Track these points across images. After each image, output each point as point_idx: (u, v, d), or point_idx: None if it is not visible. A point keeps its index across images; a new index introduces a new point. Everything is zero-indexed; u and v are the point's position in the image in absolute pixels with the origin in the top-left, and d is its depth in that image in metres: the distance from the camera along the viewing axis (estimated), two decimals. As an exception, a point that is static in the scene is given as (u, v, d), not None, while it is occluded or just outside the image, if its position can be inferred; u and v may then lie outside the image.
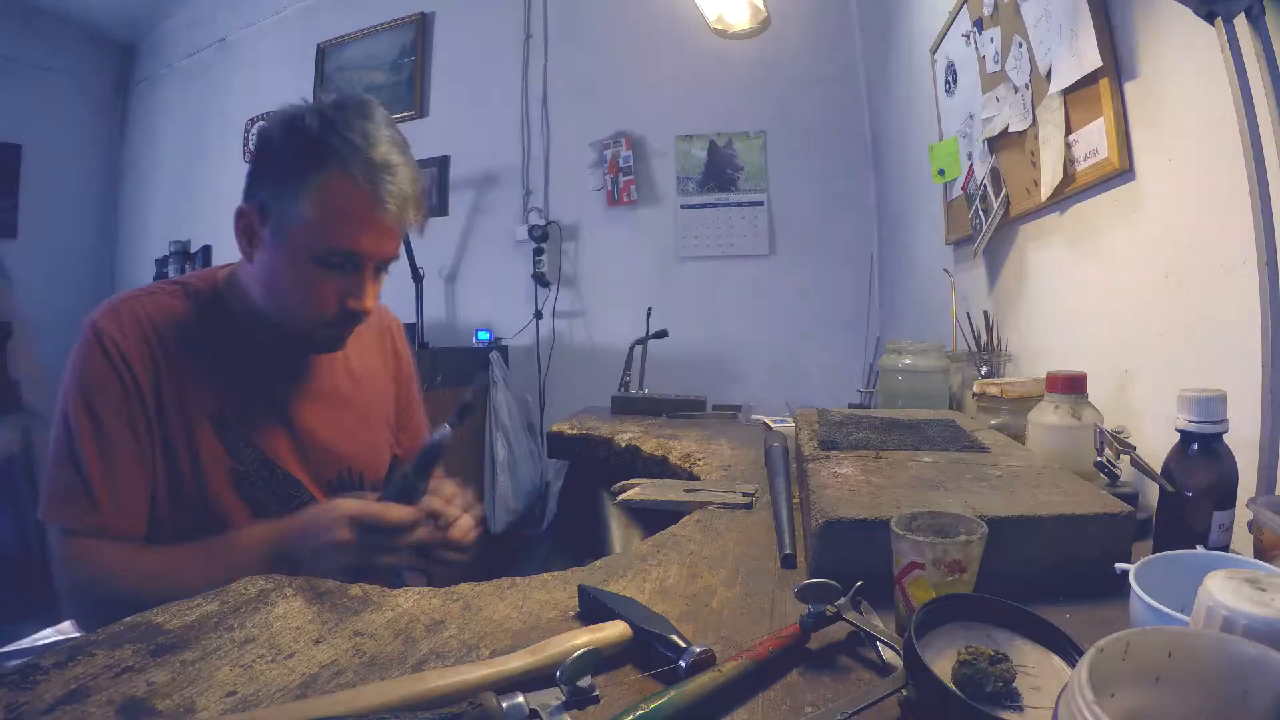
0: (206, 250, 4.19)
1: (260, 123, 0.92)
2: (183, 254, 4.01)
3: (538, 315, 3.53)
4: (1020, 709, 0.50)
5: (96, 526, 0.91)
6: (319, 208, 0.92)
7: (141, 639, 0.61)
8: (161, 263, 4.09)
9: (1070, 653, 0.54)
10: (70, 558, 0.91)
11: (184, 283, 1.06)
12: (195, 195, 4.29)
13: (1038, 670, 0.54)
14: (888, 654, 0.60)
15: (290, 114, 0.94)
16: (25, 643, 1.34)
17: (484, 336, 3.43)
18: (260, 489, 1.02)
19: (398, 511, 0.91)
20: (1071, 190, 1.31)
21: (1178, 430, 0.75)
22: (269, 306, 1.00)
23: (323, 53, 3.97)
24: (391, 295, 3.74)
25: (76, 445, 0.91)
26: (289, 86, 3.87)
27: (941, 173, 1.97)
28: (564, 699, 0.50)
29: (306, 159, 0.92)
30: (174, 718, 0.50)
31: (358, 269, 0.97)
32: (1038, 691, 0.51)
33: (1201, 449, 0.74)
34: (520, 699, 0.48)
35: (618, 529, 1.49)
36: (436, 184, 3.69)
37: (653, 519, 1.15)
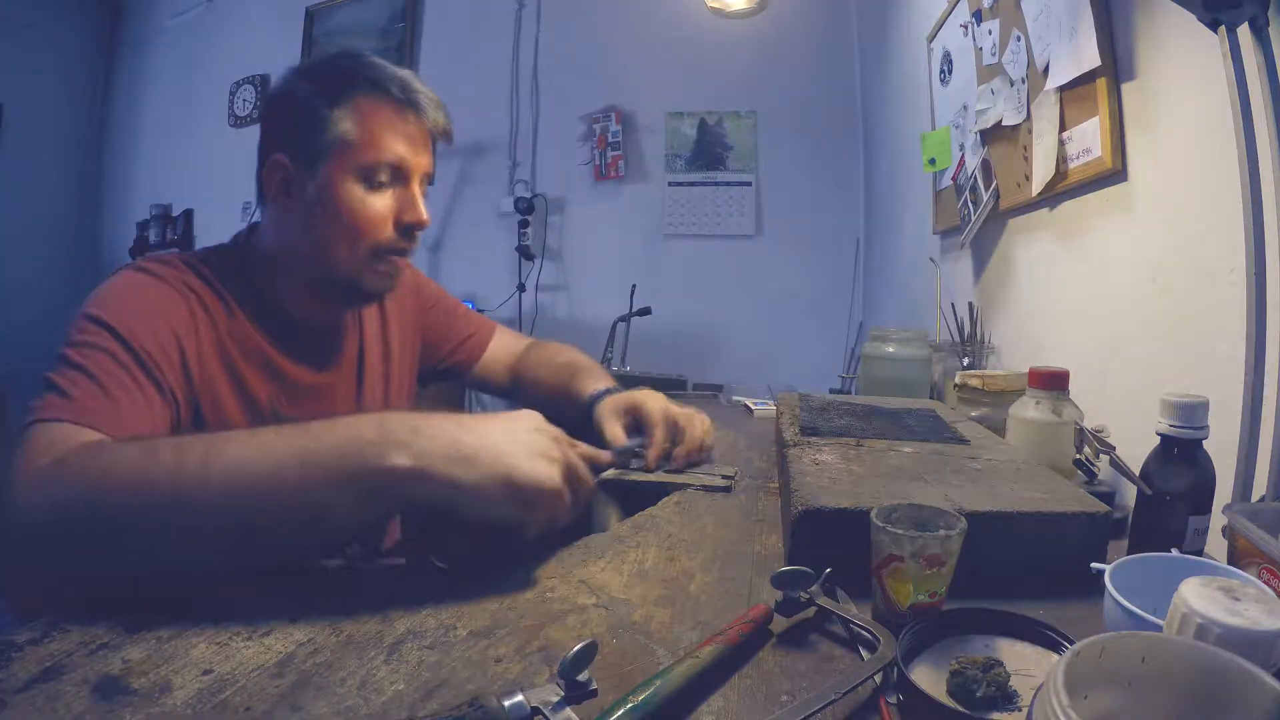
0: (188, 214, 4.10)
1: (272, 81, 0.95)
2: (164, 218, 3.92)
3: (521, 288, 3.51)
4: (1021, 709, 0.50)
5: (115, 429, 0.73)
6: (358, 126, 0.90)
7: (116, 614, 0.60)
8: (142, 226, 4.01)
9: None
10: (43, 448, 0.67)
11: (192, 264, 0.94)
12: (179, 158, 4.20)
13: (1038, 671, 0.55)
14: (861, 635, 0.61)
15: (292, 71, 0.94)
16: None
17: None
18: None
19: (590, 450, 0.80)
20: (1062, 187, 1.32)
21: (1158, 434, 0.76)
22: (314, 253, 0.93)
23: (311, 16, 3.88)
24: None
25: (94, 355, 0.77)
26: (276, 50, 3.79)
27: (932, 162, 1.97)
28: (563, 694, 0.49)
29: (337, 87, 0.90)
30: (149, 696, 0.50)
31: (405, 183, 0.94)
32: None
33: (1181, 454, 0.75)
34: (520, 697, 0.48)
35: (595, 507, 1.50)
36: (423, 151, 3.64)
37: (630, 499, 1.15)
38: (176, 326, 0.86)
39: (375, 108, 0.91)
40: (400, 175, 0.94)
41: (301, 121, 0.90)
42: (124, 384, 0.77)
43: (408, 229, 0.95)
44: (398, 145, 0.92)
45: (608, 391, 1.14)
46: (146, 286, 0.87)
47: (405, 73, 0.94)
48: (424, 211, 0.96)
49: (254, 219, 1.01)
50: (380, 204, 0.92)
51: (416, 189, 0.96)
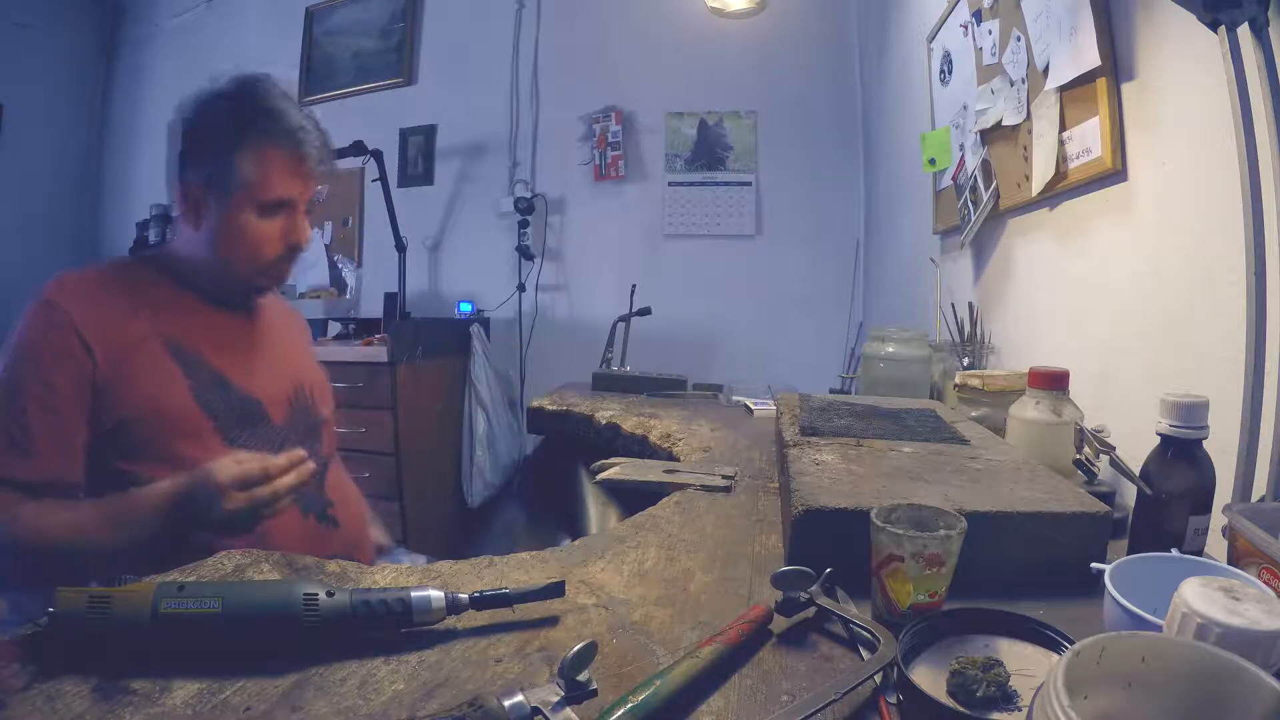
0: (188, 215, 4.06)
1: (180, 112, 1.16)
2: (163, 218, 3.90)
3: (521, 288, 3.50)
4: (1021, 709, 0.50)
5: (28, 473, 0.97)
6: (257, 169, 1.09)
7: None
8: (142, 226, 3.99)
9: None
10: None
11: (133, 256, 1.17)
12: (180, 159, 4.16)
13: (1038, 671, 0.55)
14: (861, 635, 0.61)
15: (204, 101, 1.11)
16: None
17: (466, 308, 3.40)
18: (220, 405, 1.08)
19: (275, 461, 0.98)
20: (1062, 187, 1.32)
21: (1158, 434, 0.76)
22: (216, 261, 1.13)
23: (311, 16, 3.86)
24: (375, 264, 3.67)
25: (18, 398, 0.98)
26: (276, 50, 3.77)
27: (932, 162, 1.96)
28: (563, 694, 0.49)
29: (236, 134, 1.08)
30: (149, 696, 0.50)
31: (293, 211, 1.15)
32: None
33: (1181, 454, 0.75)
34: (520, 697, 0.48)
35: (595, 507, 1.50)
36: (423, 152, 3.64)
37: (631, 499, 1.15)
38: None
39: (272, 155, 1.10)
40: (289, 207, 1.14)
41: (209, 160, 1.10)
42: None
43: (293, 247, 1.16)
44: (289, 185, 1.12)
45: None
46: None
47: (297, 122, 1.11)
48: (306, 231, 1.17)
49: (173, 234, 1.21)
50: (270, 229, 1.13)
51: (301, 214, 1.16)
